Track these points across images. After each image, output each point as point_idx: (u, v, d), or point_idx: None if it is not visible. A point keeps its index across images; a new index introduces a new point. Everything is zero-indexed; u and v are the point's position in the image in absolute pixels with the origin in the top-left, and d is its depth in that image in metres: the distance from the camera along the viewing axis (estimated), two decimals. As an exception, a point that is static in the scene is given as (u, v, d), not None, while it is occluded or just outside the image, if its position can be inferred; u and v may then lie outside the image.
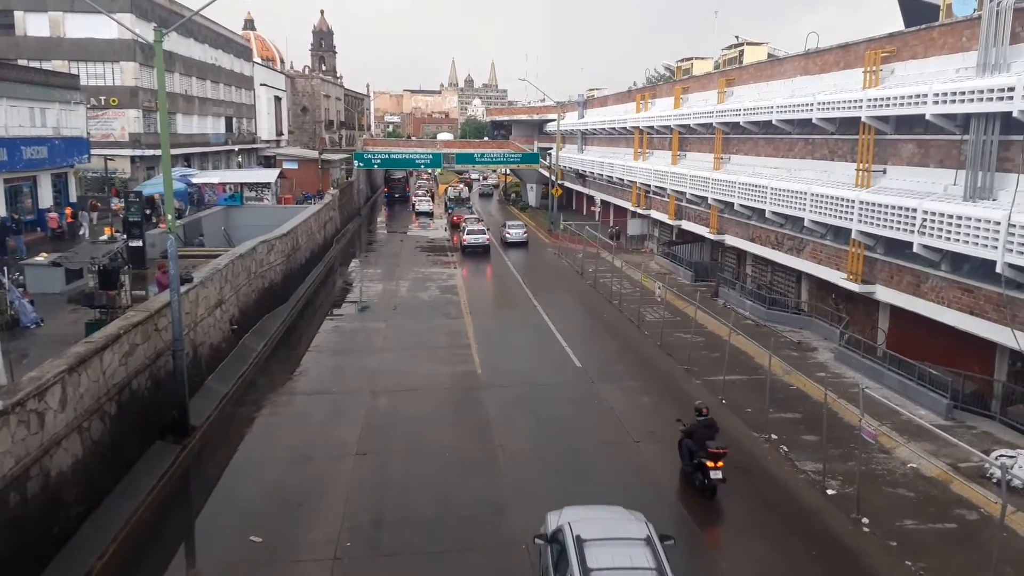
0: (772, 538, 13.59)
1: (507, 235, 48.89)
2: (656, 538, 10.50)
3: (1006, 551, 11.78)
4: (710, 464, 14.62)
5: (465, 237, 46.53)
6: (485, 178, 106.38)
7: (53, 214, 33.87)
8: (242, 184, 44.99)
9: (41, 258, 24.48)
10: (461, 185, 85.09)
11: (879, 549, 13.01)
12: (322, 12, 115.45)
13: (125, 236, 27.63)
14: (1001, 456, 15.12)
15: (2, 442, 10.84)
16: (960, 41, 19.24)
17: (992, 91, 17.05)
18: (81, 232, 34.29)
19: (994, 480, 14.80)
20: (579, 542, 10.19)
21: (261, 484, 15.52)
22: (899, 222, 19.94)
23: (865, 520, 13.79)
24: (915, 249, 19.47)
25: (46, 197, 35.99)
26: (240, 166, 64.08)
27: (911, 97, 19.77)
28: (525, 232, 49.61)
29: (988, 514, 13.80)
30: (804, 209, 24.76)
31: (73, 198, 38.51)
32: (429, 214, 68.74)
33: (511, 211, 72.53)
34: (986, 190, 17.94)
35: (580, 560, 9.91)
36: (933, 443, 16.48)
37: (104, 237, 31.73)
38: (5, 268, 21.51)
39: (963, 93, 17.91)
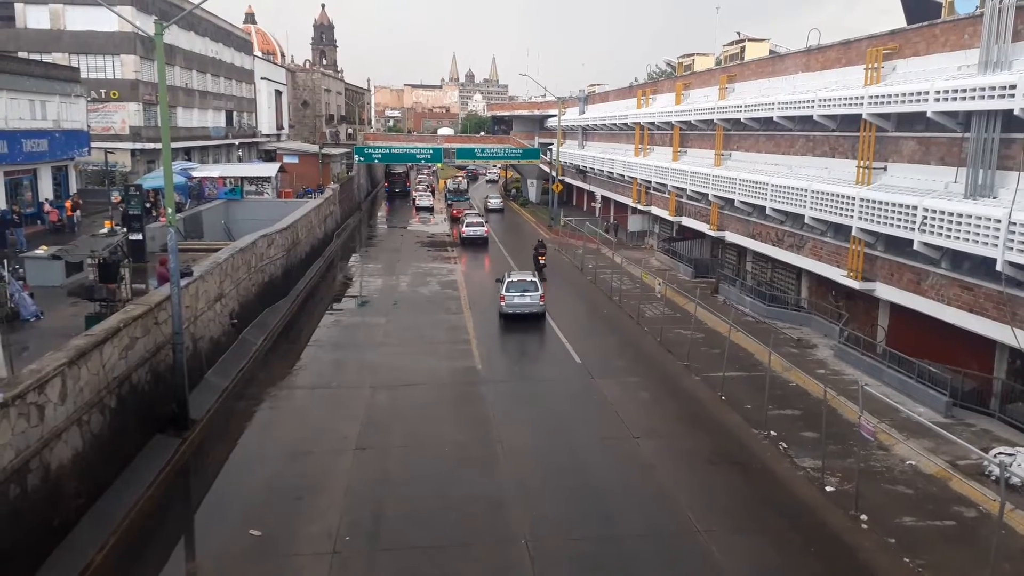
0: (770, 534, 13.61)
1: (489, 204, 67.72)
2: (538, 277, 29.60)
3: (1004, 548, 11.81)
4: (540, 259, 35.72)
5: (464, 229, 48.64)
6: (487, 172, 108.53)
7: (54, 208, 33.79)
8: (242, 178, 44.89)
9: (41, 251, 24.45)
10: (459, 177, 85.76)
11: (877, 546, 13.04)
12: (323, 6, 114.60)
13: (125, 229, 27.62)
14: (1000, 454, 15.16)
15: (2, 434, 10.86)
16: (962, 38, 19.20)
17: (994, 89, 17.01)
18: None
19: (993, 478, 14.81)
20: (509, 272, 29.69)
21: (261, 478, 15.55)
22: (900, 219, 19.92)
23: (864, 517, 13.81)
24: (915, 247, 19.45)
25: (46, 190, 35.97)
26: (240, 160, 63.92)
27: (912, 94, 19.73)
28: (501, 201, 69.44)
29: (987, 511, 13.82)
30: (805, 206, 24.74)
31: (73, 191, 38.47)
32: (429, 209, 68.73)
33: (510, 205, 72.78)
34: (987, 188, 17.93)
35: (508, 277, 28.82)
36: (932, 440, 16.50)
37: (104, 230, 31.69)
38: (5, 261, 21.49)
39: (964, 91, 17.87)
